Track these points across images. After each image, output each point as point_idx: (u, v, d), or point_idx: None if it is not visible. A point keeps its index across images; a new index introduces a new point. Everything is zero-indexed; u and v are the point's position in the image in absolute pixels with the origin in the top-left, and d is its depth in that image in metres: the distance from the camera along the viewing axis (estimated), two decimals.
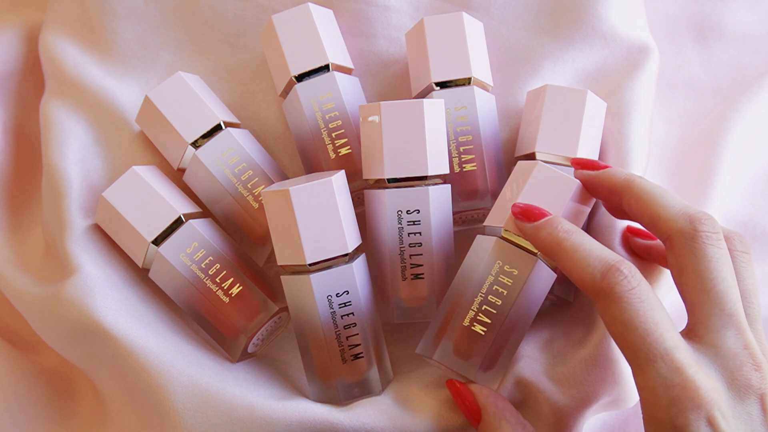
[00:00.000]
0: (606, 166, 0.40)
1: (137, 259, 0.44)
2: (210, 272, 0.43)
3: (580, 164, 0.41)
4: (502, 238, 0.40)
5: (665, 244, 0.37)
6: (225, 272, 0.43)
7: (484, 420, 0.39)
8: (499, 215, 0.41)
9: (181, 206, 0.45)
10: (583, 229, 0.45)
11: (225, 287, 0.43)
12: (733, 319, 0.34)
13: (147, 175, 0.45)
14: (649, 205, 0.37)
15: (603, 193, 0.40)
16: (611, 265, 0.35)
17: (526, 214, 0.39)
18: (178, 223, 0.44)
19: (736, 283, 0.35)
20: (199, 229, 0.44)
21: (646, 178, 0.46)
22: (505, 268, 0.40)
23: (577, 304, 0.45)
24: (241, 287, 0.43)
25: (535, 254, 0.40)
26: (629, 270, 0.34)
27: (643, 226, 0.38)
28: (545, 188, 0.40)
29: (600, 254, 0.35)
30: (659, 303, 0.34)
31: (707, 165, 0.50)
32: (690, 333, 0.35)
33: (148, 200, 0.44)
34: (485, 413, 0.39)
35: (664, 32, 0.54)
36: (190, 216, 0.44)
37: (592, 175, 0.40)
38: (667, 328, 0.34)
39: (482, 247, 0.41)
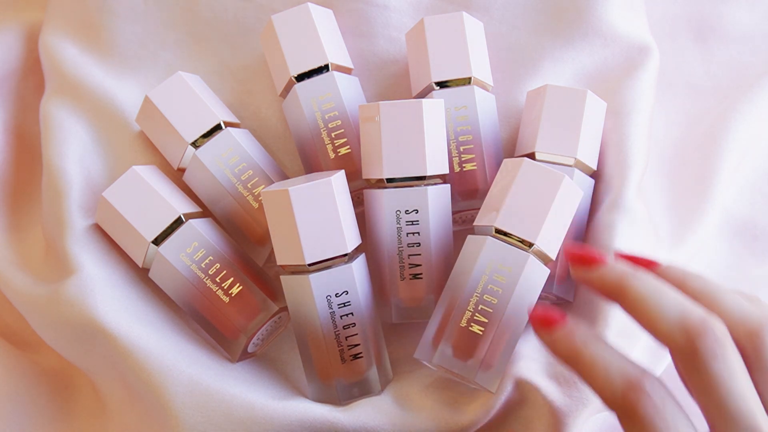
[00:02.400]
0: (599, 260, 0.36)
1: (137, 258, 0.44)
2: (210, 272, 0.43)
3: (572, 259, 0.37)
4: (494, 236, 0.40)
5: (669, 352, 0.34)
6: (225, 272, 0.43)
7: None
8: (488, 214, 0.41)
9: (181, 206, 0.45)
10: (582, 226, 0.45)
11: (225, 287, 0.43)
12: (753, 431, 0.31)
13: (147, 175, 0.45)
14: (644, 314, 0.34)
15: (599, 293, 0.36)
16: (632, 382, 0.32)
17: (544, 321, 0.35)
18: (178, 223, 0.44)
19: (752, 391, 0.32)
20: (199, 229, 0.44)
21: (646, 186, 0.46)
22: (498, 266, 0.40)
23: (577, 304, 0.45)
24: (241, 287, 0.43)
25: (527, 250, 0.40)
26: (652, 386, 0.32)
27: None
28: (533, 185, 0.40)
29: (620, 366, 0.33)
30: (686, 422, 0.32)
31: (707, 165, 0.50)
32: None
33: (148, 200, 0.44)
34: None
35: (664, 32, 0.54)
36: (190, 216, 0.44)
37: (585, 277, 0.36)
38: None
39: (474, 247, 0.41)
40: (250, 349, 0.44)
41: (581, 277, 0.36)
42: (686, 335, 0.32)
